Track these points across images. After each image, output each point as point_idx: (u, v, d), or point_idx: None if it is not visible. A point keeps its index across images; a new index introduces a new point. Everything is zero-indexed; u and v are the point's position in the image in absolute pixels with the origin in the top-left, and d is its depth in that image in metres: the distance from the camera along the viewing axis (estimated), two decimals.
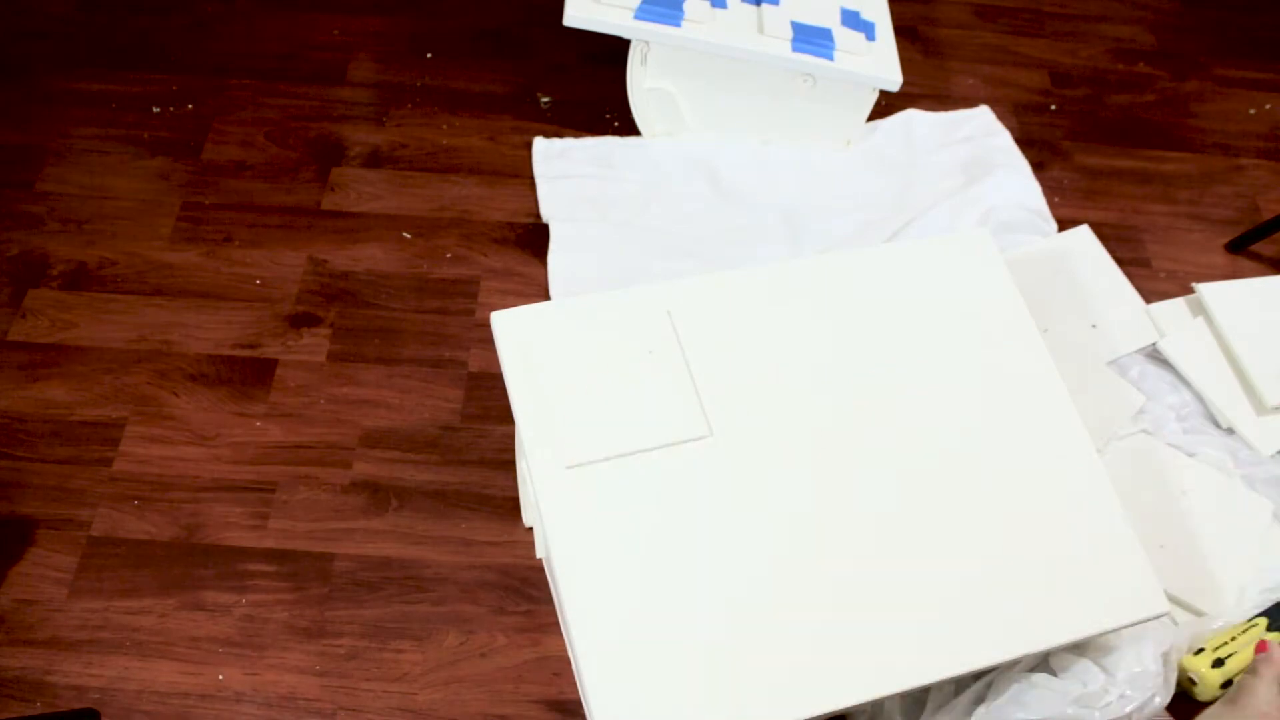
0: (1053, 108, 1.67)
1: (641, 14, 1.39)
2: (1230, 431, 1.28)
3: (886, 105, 1.57)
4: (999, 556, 0.88)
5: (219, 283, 1.38)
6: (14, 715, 1.05)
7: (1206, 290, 1.36)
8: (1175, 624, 1.10)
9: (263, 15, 1.69)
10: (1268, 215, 1.53)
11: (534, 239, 1.45)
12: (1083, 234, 1.45)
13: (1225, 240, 1.51)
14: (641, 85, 1.49)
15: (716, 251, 1.43)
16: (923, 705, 1.04)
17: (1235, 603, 1.12)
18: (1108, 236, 1.48)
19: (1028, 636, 0.86)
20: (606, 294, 0.96)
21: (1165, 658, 1.04)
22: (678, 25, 1.40)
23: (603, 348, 0.92)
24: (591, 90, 1.62)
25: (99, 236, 1.41)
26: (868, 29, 1.49)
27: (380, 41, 1.67)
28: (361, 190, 1.48)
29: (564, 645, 1.10)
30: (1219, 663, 1.06)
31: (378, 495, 1.21)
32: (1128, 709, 1.00)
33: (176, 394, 1.27)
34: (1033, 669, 1.03)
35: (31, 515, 1.18)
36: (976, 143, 1.58)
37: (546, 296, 1.38)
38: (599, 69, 1.62)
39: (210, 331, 1.33)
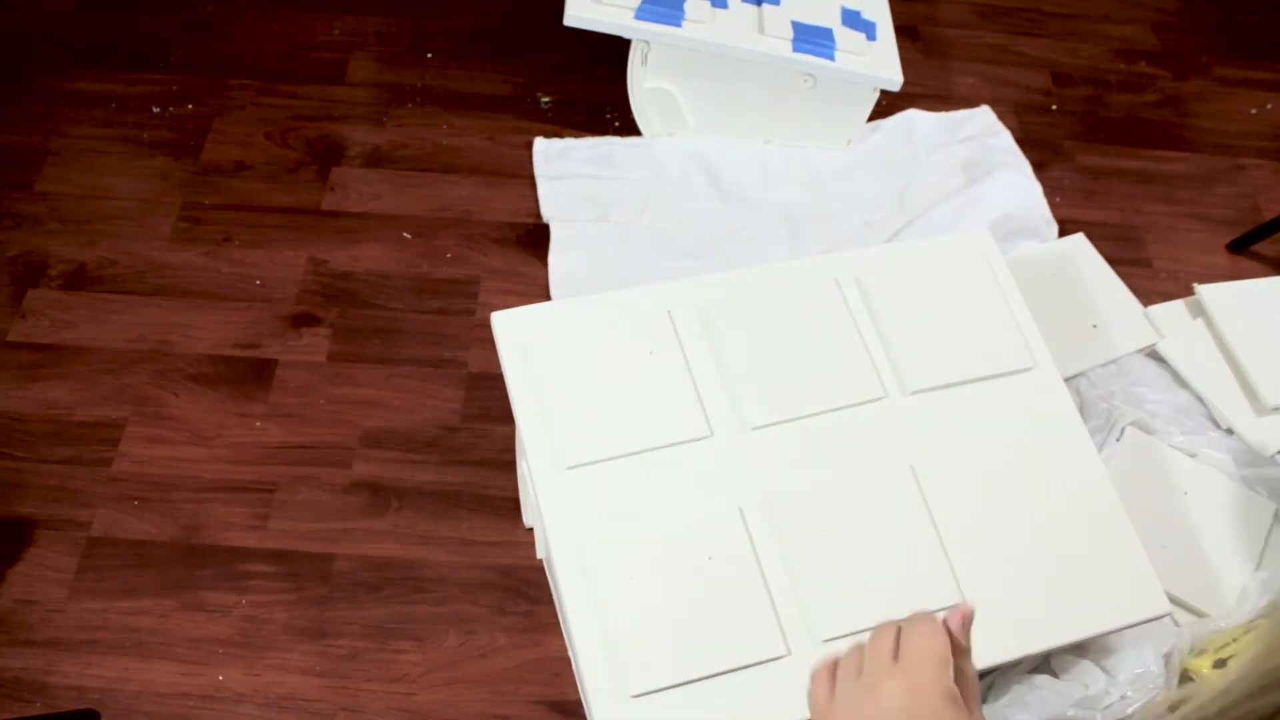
0: (1054, 108, 1.67)
1: (642, 14, 1.39)
2: (1230, 432, 1.27)
3: (887, 105, 1.56)
4: (1001, 558, 0.87)
5: (219, 283, 1.38)
6: (14, 715, 1.05)
7: (1206, 291, 1.36)
8: (1177, 625, 1.10)
9: (263, 15, 1.69)
10: (1269, 215, 1.52)
11: (534, 239, 1.44)
12: (1079, 241, 1.45)
13: (1226, 240, 1.51)
14: (642, 85, 1.49)
15: (716, 251, 1.43)
16: None
17: (1236, 604, 1.12)
18: (1109, 236, 1.48)
19: (1029, 637, 0.86)
20: (606, 294, 0.96)
21: (1167, 659, 1.04)
22: (678, 25, 1.40)
23: (603, 348, 0.92)
24: (591, 90, 1.61)
25: (99, 236, 1.41)
26: (868, 29, 1.48)
27: (380, 41, 1.67)
28: (361, 190, 1.48)
29: (564, 645, 1.10)
30: (1221, 663, 1.05)
31: (378, 495, 1.21)
32: (1129, 710, 1.00)
33: (176, 394, 1.27)
34: (1034, 670, 1.03)
35: (31, 515, 1.17)
36: (977, 143, 1.58)
37: (546, 296, 1.38)
38: (599, 69, 1.62)
39: (210, 331, 1.33)
